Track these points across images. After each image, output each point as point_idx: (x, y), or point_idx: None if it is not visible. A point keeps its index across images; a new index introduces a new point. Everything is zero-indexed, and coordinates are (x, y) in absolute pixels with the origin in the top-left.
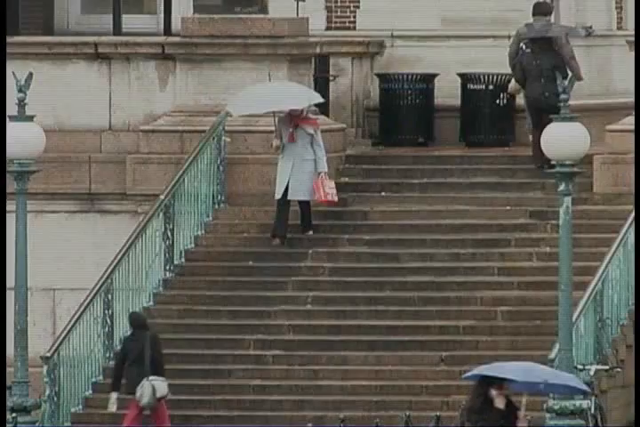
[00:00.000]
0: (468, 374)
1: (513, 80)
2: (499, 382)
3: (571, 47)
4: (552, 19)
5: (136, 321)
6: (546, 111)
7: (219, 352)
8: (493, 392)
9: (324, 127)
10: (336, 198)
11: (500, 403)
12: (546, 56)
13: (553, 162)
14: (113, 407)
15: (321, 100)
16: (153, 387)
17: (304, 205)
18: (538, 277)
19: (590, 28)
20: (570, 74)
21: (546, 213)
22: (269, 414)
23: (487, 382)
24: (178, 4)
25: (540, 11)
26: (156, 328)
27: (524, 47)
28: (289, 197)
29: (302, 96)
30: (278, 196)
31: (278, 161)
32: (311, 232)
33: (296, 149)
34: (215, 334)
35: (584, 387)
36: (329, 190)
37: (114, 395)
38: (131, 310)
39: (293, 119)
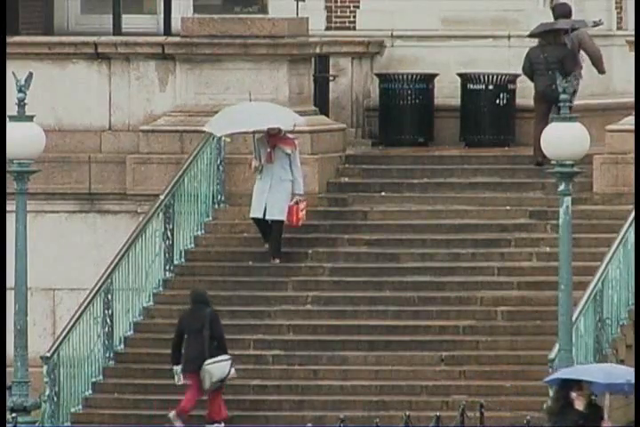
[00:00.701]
0: (549, 378)
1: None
2: (578, 385)
3: (597, 46)
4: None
5: (197, 297)
6: (554, 104)
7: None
8: (573, 394)
9: (323, 128)
10: (301, 223)
11: (579, 405)
12: (552, 49)
13: (553, 161)
14: (180, 380)
15: (302, 119)
16: (210, 372)
17: (277, 225)
18: (538, 277)
19: (600, 20)
20: (573, 72)
21: (546, 213)
22: (269, 414)
23: (566, 384)
24: (178, 4)
25: (563, 12)
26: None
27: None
28: (266, 217)
29: (286, 116)
30: (254, 214)
31: (256, 181)
32: (278, 261)
33: (274, 170)
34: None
35: None
36: (301, 215)
37: (177, 368)
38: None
39: (271, 139)
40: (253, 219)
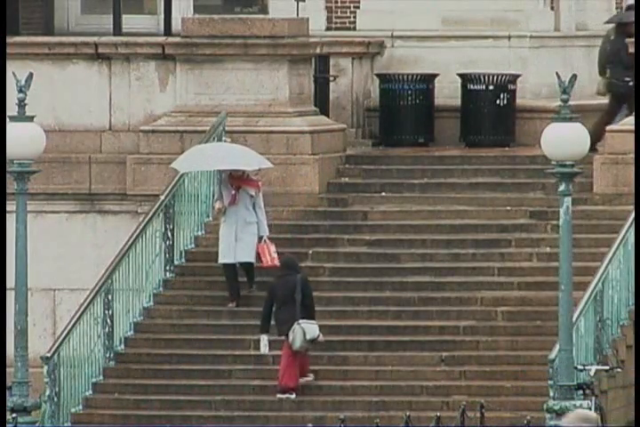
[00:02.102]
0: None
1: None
2: None
3: None
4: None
5: (287, 263)
6: (623, 96)
7: (219, 352)
8: None
9: (323, 128)
10: (277, 262)
11: None
12: (614, 41)
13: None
14: (265, 350)
15: (270, 165)
16: (303, 330)
17: (247, 266)
18: (538, 278)
19: None
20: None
21: (546, 214)
22: (269, 414)
23: None
24: (178, 4)
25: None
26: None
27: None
28: (235, 260)
29: (253, 159)
30: (224, 260)
31: (220, 224)
32: (254, 287)
33: (239, 212)
34: (215, 334)
35: None
36: (274, 255)
37: (264, 337)
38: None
39: (235, 181)
40: (223, 265)
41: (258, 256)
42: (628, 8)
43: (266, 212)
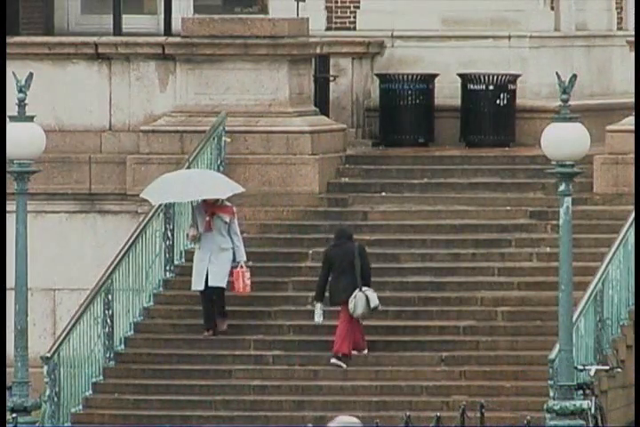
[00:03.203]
0: None
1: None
2: None
3: None
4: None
5: (342, 233)
6: None
7: (219, 352)
8: None
9: (323, 128)
10: (250, 289)
11: None
12: None
13: (553, 162)
14: (319, 319)
15: (242, 190)
16: (367, 297)
17: (218, 292)
18: (538, 278)
19: None
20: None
21: (546, 214)
22: (269, 414)
23: None
24: (178, 4)
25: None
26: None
27: None
28: (209, 284)
29: (224, 186)
30: (198, 287)
31: (195, 251)
32: (225, 326)
33: (214, 239)
34: (215, 334)
35: None
36: (247, 282)
37: (319, 306)
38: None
39: (209, 207)
40: (200, 292)
41: (231, 283)
42: None
43: (265, 211)
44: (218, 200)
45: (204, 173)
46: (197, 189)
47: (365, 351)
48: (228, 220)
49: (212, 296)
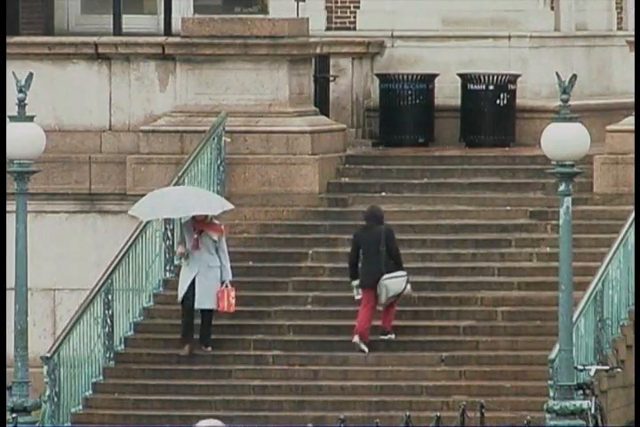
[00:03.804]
0: None
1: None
2: None
3: None
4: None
5: (371, 214)
6: None
7: (219, 353)
8: None
9: (323, 128)
10: (233, 309)
11: None
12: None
13: (553, 162)
14: (358, 295)
15: (232, 207)
16: (387, 287)
17: (206, 314)
18: (538, 278)
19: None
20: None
21: (546, 214)
22: (269, 414)
23: None
24: (178, 4)
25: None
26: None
27: None
28: (196, 306)
29: (214, 203)
30: (179, 298)
31: (182, 267)
32: (210, 348)
33: (201, 256)
34: (215, 335)
35: None
36: (232, 301)
37: (355, 283)
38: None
39: (198, 225)
40: (182, 304)
41: (217, 301)
42: None
43: (265, 211)
44: (207, 218)
45: (194, 190)
46: (187, 205)
47: (392, 336)
48: (216, 238)
49: (193, 313)
